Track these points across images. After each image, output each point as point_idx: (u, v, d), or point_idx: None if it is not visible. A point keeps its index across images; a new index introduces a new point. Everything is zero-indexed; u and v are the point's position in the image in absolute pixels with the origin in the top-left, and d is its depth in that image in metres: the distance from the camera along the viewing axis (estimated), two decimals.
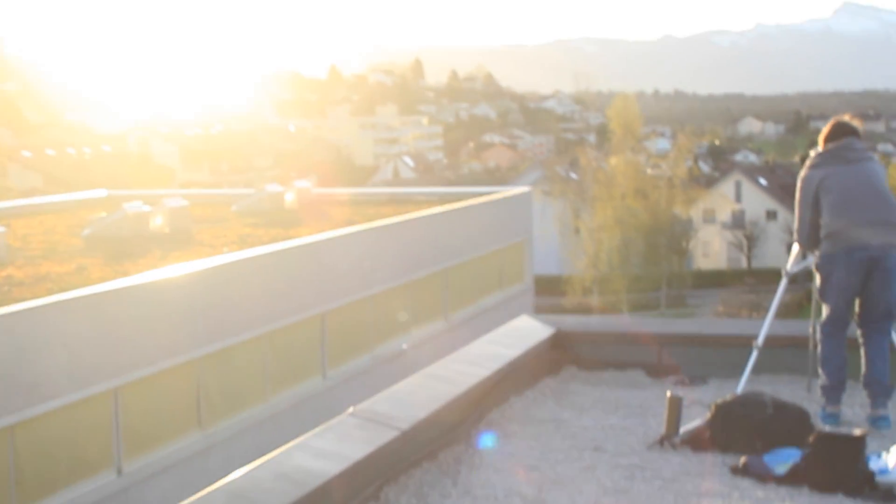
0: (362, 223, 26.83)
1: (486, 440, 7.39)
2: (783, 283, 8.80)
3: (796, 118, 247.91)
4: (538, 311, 59.67)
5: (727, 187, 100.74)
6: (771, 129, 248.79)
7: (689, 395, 8.49)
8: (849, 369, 7.99)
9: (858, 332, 8.05)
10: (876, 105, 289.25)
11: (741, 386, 8.32)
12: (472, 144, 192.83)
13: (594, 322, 11.11)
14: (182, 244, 25.14)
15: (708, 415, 7.28)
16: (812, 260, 8.20)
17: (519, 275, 35.48)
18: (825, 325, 8.04)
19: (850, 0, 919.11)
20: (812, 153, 8.20)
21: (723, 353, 9.32)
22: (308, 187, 36.18)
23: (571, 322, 10.41)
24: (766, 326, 8.58)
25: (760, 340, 8.49)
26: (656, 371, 9.42)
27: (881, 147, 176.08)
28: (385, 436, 6.44)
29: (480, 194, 34.99)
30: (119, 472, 16.92)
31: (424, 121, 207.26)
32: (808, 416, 7.21)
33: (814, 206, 7.96)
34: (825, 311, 8.05)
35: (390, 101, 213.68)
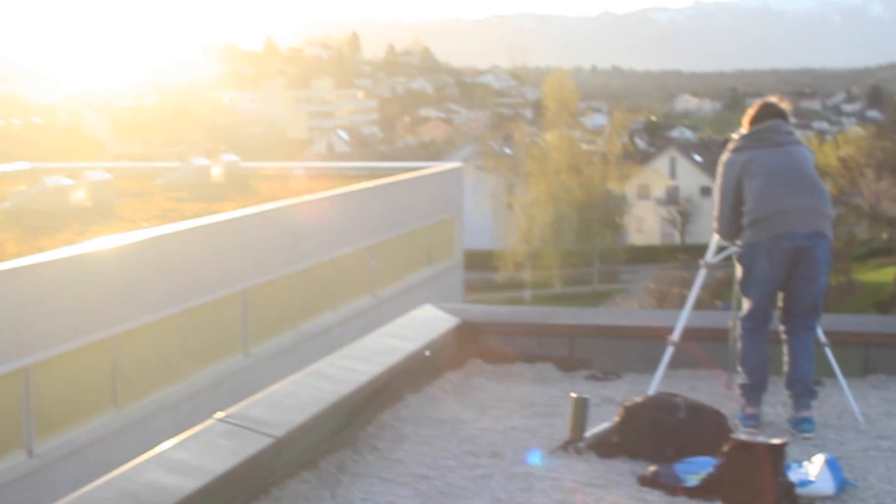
0: (289, 198, 26.48)
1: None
2: (701, 274, 8.21)
3: (733, 95, 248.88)
4: (469, 286, 59.74)
5: (662, 163, 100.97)
6: (707, 106, 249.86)
7: (600, 391, 8.14)
8: (771, 366, 7.51)
9: (781, 328, 7.53)
10: (812, 83, 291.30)
11: (654, 385, 7.83)
12: (407, 119, 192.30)
13: (502, 312, 10.21)
14: (103, 218, 24.64)
15: (616, 418, 6.79)
16: (734, 249, 7.64)
17: (449, 251, 35.23)
18: (746, 320, 7.50)
19: None
20: (735, 136, 7.67)
21: (639, 346, 8.79)
22: (235, 161, 35.70)
23: (478, 312, 9.71)
24: (682, 321, 7.95)
25: (676, 336, 7.92)
26: (567, 365, 8.87)
27: (817, 125, 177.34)
28: (256, 444, 5.87)
29: (411, 170, 34.71)
30: (30, 453, 16.50)
31: (360, 94, 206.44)
32: (725, 420, 6.74)
33: (736, 192, 7.43)
34: (746, 304, 7.50)
35: (326, 75, 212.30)
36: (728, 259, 7.91)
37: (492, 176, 75.75)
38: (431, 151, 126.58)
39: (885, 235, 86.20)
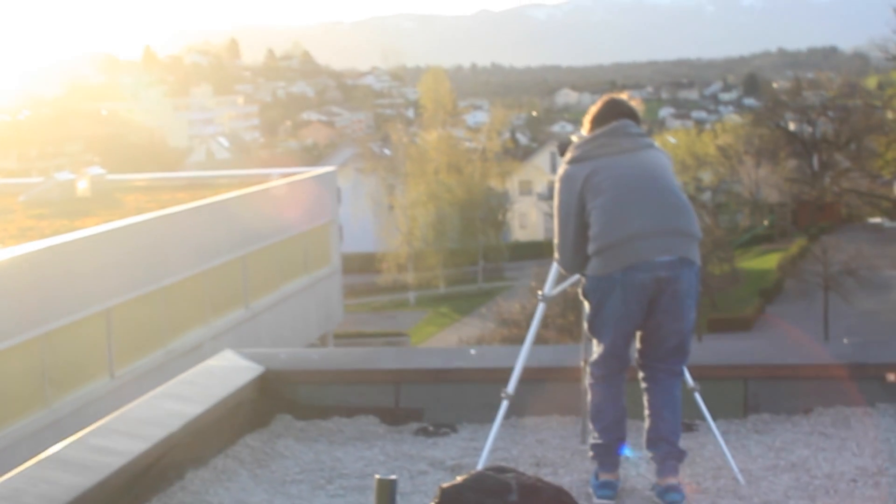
0: (155, 210, 25.75)
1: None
2: (540, 309, 6.63)
3: (612, 88, 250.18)
4: (352, 291, 59.19)
5: (543, 159, 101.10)
6: (587, 100, 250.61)
7: (429, 452, 6.83)
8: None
9: (641, 375, 6.13)
10: (689, 73, 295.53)
11: (487, 450, 6.30)
12: (289, 123, 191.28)
13: (315, 357, 8.45)
14: None
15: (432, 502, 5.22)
16: (577, 278, 6.27)
17: (325, 257, 34.64)
18: (597, 366, 6.04)
19: None
20: (575, 138, 6.23)
21: (476, 392, 7.37)
22: (102, 174, 34.76)
23: (286, 358, 8.10)
24: (518, 368, 6.43)
25: (511, 388, 6.40)
26: (393, 417, 7.40)
27: (695, 114, 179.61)
28: None
29: (283, 175, 34.07)
30: None
31: (240, 100, 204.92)
32: (570, 498, 5.00)
33: (578, 213, 5.95)
34: (597, 347, 6.04)
35: (206, 82, 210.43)
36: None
37: (371, 178, 75.32)
38: (314, 155, 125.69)
39: (766, 222, 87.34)
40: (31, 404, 19.13)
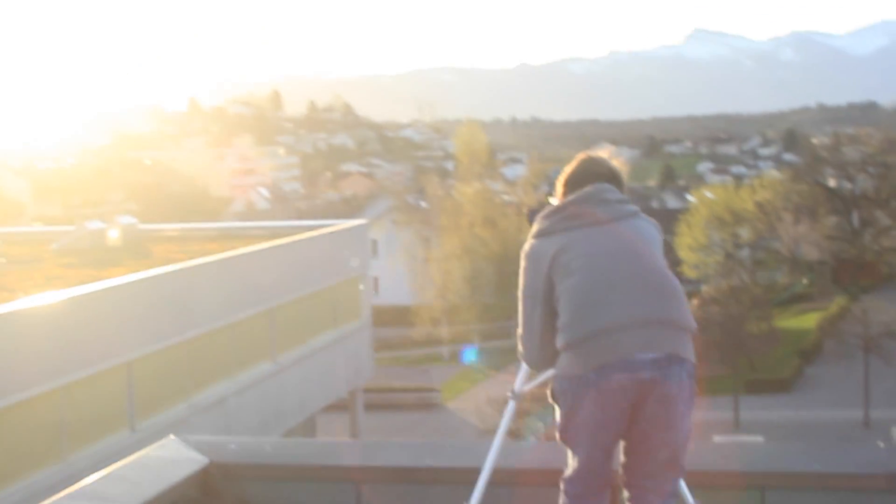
0: (183, 261, 25.53)
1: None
2: (510, 407, 5.65)
3: (650, 143, 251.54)
4: (386, 344, 58.97)
5: None
6: (626, 154, 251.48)
7: None
8: None
9: (626, 495, 4.99)
10: (728, 128, 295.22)
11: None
12: (329, 174, 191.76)
13: (268, 449, 6.96)
14: None
15: None
16: (551, 377, 5.03)
17: (355, 311, 34.27)
18: (572, 483, 4.92)
19: (701, 27, 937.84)
20: (551, 201, 5.19)
21: (445, 494, 6.06)
22: (133, 223, 34.70)
23: (236, 449, 6.76)
24: (484, 476, 5.41)
25: (475, 499, 5.34)
26: None
27: (734, 169, 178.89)
28: None
29: (315, 228, 33.83)
30: None
31: (282, 151, 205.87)
32: None
33: (546, 298, 4.90)
34: (572, 461, 4.92)
35: (248, 133, 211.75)
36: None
37: (407, 230, 75.11)
38: (353, 206, 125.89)
39: (805, 281, 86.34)
40: (46, 458, 18.84)
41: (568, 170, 5.23)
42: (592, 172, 5.17)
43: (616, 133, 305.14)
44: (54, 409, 19.10)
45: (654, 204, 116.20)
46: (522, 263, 5.02)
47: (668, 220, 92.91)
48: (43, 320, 18.90)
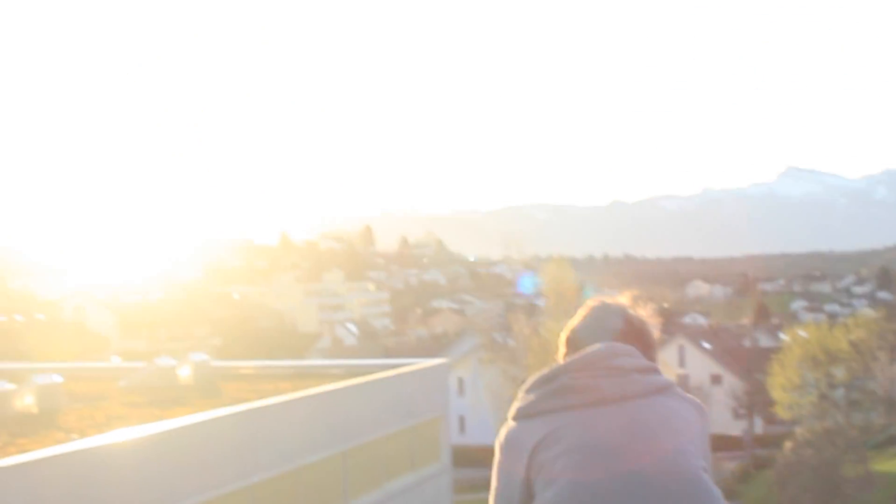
0: (253, 400, 24.34)
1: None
2: None
3: (743, 280, 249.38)
4: (471, 485, 57.24)
5: (670, 351, 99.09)
6: (719, 292, 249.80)
7: None
8: None
9: None
10: (821, 266, 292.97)
11: None
12: (419, 310, 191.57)
13: None
14: (39, 427, 22.48)
15: None
16: None
17: (434, 453, 32.75)
18: None
19: (793, 164, 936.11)
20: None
21: None
22: (206, 360, 33.59)
23: None
24: None
25: None
26: None
27: (828, 307, 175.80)
28: None
29: (396, 366, 32.53)
30: None
31: (372, 287, 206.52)
32: None
33: None
34: None
35: (339, 268, 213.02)
36: None
37: (493, 368, 73.87)
38: (442, 343, 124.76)
39: None
40: None
41: (573, 322, 3.74)
42: (604, 328, 3.65)
43: (709, 270, 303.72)
44: None
45: (747, 342, 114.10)
46: (497, 456, 3.43)
47: (761, 359, 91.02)
48: (86, 466, 17.68)
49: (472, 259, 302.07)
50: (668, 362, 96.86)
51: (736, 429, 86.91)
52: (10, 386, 25.17)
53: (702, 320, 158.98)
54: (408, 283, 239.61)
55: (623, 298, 3.85)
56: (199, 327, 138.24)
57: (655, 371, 3.50)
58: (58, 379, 26.70)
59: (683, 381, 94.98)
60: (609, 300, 3.79)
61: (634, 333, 3.66)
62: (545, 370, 3.46)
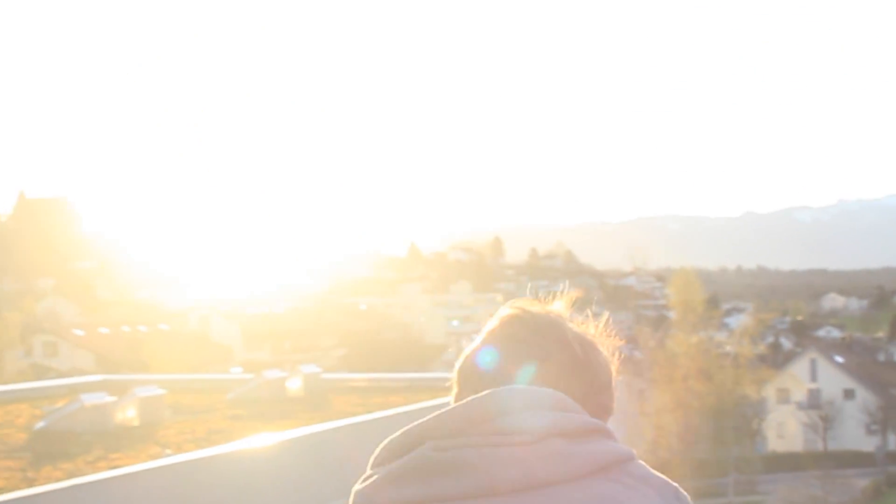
0: (360, 414, 23.66)
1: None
2: None
3: (880, 293, 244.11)
4: None
5: (802, 365, 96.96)
6: (854, 305, 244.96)
7: None
8: None
9: None
10: None
11: None
12: None
13: None
14: (136, 441, 21.99)
15: None
16: None
17: None
18: None
19: None
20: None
21: None
22: (317, 372, 32.98)
23: None
24: None
25: None
26: None
27: None
28: None
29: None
30: None
31: (500, 298, 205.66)
32: None
33: None
34: None
35: (466, 279, 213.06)
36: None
37: (618, 382, 72.93)
38: None
39: None
40: None
41: (474, 343, 2.44)
42: (519, 354, 2.33)
43: (844, 283, 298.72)
44: None
45: (881, 356, 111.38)
46: None
47: None
48: (173, 482, 17.07)
49: (602, 270, 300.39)
50: (800, 377, 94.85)
51: (868, 445, 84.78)
52: (109, 398, 24.77)
53: (836, 333, 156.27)
54: (536, 294, 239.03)
55: (560, 304, 2.57)
56: (324, 338, 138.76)
57: (599, 434, 2.14)
58: (159, 391, 26.29)
59: (815, 395, 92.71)
60: (536, 308, 2.50)
61: (572, 365, 2.33)
62: (401, 431, 2.09)
